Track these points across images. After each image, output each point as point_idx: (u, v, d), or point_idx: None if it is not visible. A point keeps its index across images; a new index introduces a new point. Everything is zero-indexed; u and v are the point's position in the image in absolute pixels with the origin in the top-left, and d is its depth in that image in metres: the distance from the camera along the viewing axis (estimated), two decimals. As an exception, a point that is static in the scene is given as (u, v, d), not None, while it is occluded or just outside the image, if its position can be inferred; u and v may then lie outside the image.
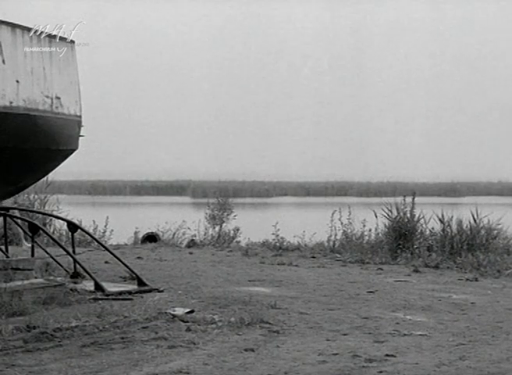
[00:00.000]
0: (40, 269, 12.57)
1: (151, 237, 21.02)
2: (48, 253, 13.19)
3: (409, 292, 12.29)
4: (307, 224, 21.93)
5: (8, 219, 13.67)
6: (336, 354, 7.96)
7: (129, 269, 12.59)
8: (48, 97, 11.39)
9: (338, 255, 17.43)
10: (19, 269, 11.74)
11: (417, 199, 18.01)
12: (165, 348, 8.10)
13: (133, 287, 11.98)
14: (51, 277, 12.10)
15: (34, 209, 19.44)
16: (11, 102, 10.76)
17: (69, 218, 14.86)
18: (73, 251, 12.85)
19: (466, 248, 16.69)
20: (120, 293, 11.45)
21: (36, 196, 21.14)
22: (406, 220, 17.60)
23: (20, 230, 16.17)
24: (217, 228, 22.41)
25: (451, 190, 77.83)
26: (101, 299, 10.93)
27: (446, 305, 11.17)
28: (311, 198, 71.39)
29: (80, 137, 12.64)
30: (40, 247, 13.46)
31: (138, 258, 16.50)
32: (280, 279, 13.52)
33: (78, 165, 22.76)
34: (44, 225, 19.49)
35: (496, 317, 10.22)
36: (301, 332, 9.05)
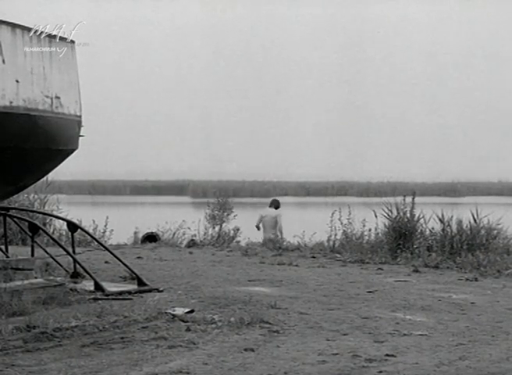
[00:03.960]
0: (40, 269, 12.57)
1: (150, 237, 21.02)
2: (48, 253, 13.19)
3: (409, 292, 12.29)
4: (307, 224, 21.91)
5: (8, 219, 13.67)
6: (336, 354, 7.96)
7: (129, 269, 12.59)
8: (47, 97, 11.39)
9: (338, 255, 17.42)
10: (19, 269, 11.73)
11: (417, 199, 18.00)
12: (165, 348, 8.10)
13: (133, 287, 11.99)
14: (51, 277, 12.09)
15: (34, 209, 19.43)
16: (11, 102, 10.76)
17: (69, 218, 14.85)
18: (73, 251, 12.86)
19: (466, 248, 16.68)
20: (120, 293, 11.45)
21: (36, 196, 21.13)
22: (406, 220, 17.59)
23: None
24: (217, 228, 22.40)
25: (451, 190, 77.90)
26: (101, 299, 10.93)
27: (446, 305, 11.17)
28: (311, 198, 71.42)
29: (80, 137, 12.64)
30: (40, 247, 13.47)
31: (138, 258, 16.50)
32: (280, 279, 13.52)
33: (78, 165, 22.76)
34: (44, 225, 19.49)
35: (496, 317, 10.22)
36: (301, 332, 9.05)
